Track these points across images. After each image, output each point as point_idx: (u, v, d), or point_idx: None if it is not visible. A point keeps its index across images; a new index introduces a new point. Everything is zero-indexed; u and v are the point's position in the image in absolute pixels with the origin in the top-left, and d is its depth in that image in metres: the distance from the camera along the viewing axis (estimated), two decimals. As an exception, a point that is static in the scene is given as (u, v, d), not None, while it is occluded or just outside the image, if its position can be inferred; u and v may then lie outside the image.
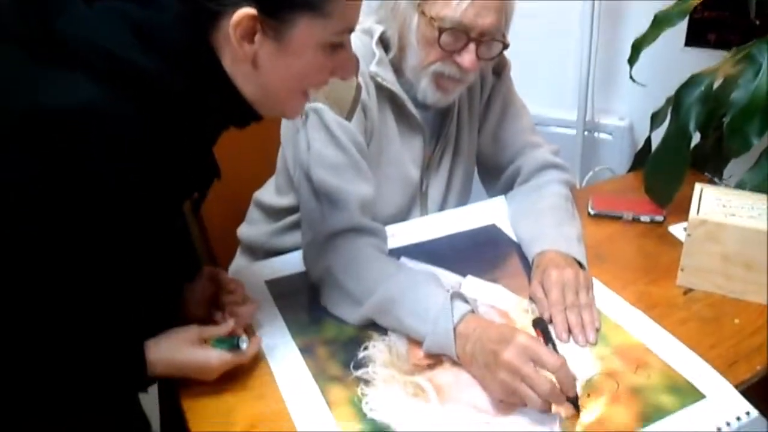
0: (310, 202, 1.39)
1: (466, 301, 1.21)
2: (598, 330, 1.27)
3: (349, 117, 1.40)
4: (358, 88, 1.41)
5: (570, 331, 1.26)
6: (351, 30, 1.04)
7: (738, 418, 1.09)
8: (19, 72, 0.92)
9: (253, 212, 1.73)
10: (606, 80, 2.70)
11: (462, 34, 1.37)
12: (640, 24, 1.86)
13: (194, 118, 1.00)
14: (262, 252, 1.64)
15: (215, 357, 1.11)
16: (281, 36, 0.96)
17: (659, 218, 1.63)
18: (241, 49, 0.96)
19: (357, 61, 1.07)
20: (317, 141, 1.39)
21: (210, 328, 1.14)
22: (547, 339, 1.20)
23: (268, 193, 1.69)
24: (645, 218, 1.63)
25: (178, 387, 1.14)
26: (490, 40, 1.40)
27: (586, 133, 2.75)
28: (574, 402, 1.09)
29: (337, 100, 1.39)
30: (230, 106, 1.03)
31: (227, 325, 1.16)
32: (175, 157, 0.99)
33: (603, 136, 2.77)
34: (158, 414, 1.47)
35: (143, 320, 1.09)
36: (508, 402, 1.10)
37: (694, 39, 2.36)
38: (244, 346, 1.15)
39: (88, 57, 0.91)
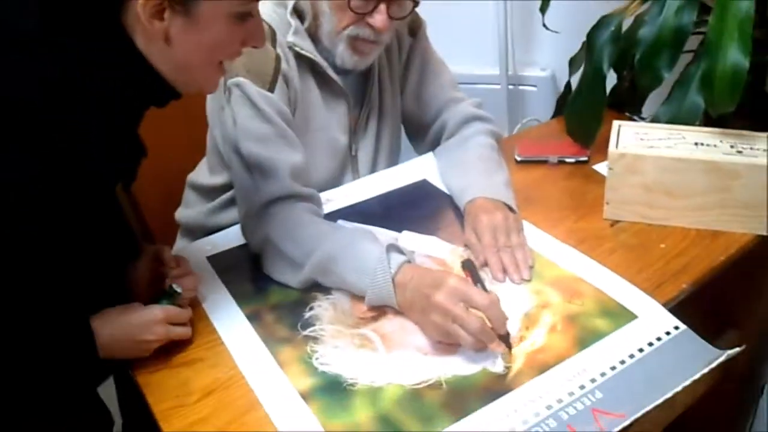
0: (243, 175, 1.41)
1: (401, 252, 1.25)
2: (531, 267, 1.31)
3: (271, 88, 1.41)
4: (278, 58, 1.43)
5: (505, 271, 1.30)
6: None
7: (668, 333, 1.15)
8: None
9: (188, 194, 1.74)
10: (525, 33, 2.72)
11: None
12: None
13: (112, 98, 1.01)
14: (201, 232, 1.64)
15: (159, 309, 1.13)
16: (189, 11, 0.98)
17: (584, 158, 1.67)
18: (151, 27, 0.97)
19: (269, 29, 1.09)
20: (243, 115, 1.40)
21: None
22: (476, 279, 1.23)
23: (202, 174, 1.70)
24: (570, 159, 1.68)
25: (133, 367, 1.15)
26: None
27: (510, 87, 2.78)
28: (506, 340, 1.12)
29: (258, 73, 1.41)
30: (147, 85, 1.04)
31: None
32: (99, 134, 1.01)
33: (527, 88, 2.80)
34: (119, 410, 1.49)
35: (86, 301, 1.09)
36: (446, 343, 1.15)
37: (604, -17, 2.40)
38: (179, 289, 1.18)
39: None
